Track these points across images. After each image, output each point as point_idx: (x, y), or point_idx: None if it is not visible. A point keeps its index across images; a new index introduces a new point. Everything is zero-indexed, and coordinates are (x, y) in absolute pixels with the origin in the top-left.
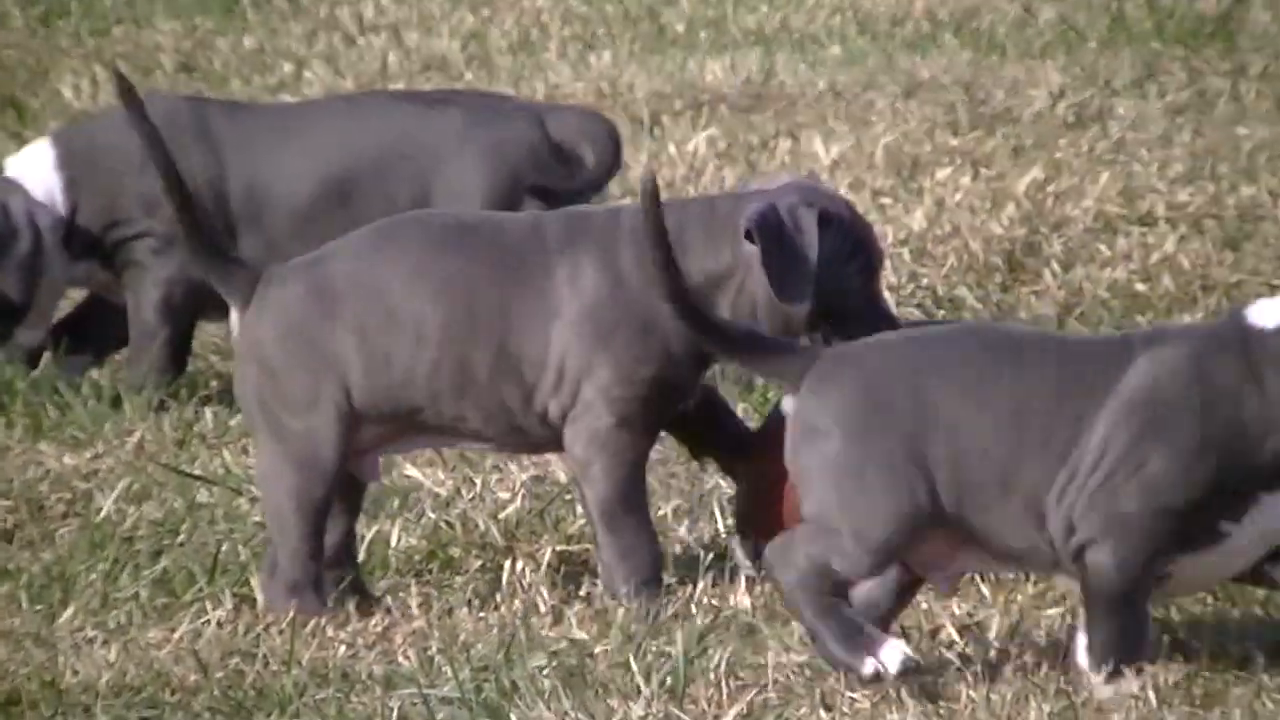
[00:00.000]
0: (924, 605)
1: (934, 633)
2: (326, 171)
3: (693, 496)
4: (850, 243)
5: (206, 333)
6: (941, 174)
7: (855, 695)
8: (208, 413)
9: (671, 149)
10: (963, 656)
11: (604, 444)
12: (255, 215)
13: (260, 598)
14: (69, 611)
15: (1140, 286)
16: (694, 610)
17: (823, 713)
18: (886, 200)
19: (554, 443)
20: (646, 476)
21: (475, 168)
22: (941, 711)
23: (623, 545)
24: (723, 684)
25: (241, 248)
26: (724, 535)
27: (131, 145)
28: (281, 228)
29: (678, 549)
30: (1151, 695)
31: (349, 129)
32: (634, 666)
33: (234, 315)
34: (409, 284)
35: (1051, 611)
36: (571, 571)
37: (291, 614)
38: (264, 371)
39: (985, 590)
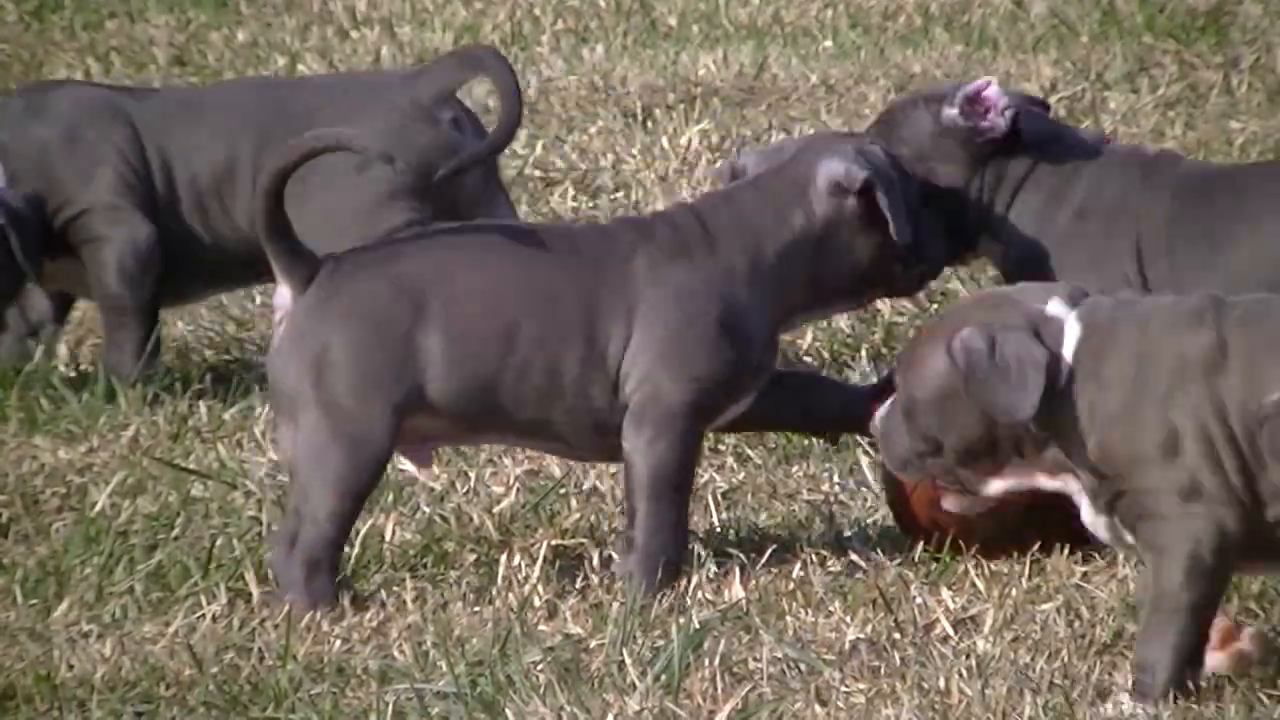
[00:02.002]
0: (918, 600)
1: (929, 627)
2: (221, 151)
3: None
4: (906, 174)
5: (200, 327)
6: None
7: (849, 689)
8: (202, 406)
9: (664, 142)
10: (957, 651)
11: (672, 423)
12: (168, 192)
13: (273, 573)
14: (64, 606)
15: None
16: (689, 604)
17: (817, 707)
18: None
19: None
20: None
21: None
22: (936, 706)
23: (661, 520)
24: (718, 678)
25: (160, 223)
26: (719, 529)
27: (51, 128)
28: (187, 203)
29: None
30: None
31: (246, 110)
32: (629, 661)
33: (281, 294)
34: (497, 291)
35: (1046, 606)
36: (567, 566)
37: (286, 608)
38: (327, 354)
39: (980, 584)
